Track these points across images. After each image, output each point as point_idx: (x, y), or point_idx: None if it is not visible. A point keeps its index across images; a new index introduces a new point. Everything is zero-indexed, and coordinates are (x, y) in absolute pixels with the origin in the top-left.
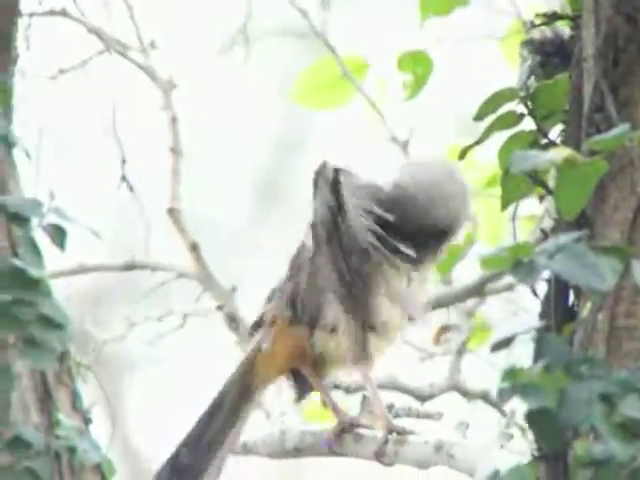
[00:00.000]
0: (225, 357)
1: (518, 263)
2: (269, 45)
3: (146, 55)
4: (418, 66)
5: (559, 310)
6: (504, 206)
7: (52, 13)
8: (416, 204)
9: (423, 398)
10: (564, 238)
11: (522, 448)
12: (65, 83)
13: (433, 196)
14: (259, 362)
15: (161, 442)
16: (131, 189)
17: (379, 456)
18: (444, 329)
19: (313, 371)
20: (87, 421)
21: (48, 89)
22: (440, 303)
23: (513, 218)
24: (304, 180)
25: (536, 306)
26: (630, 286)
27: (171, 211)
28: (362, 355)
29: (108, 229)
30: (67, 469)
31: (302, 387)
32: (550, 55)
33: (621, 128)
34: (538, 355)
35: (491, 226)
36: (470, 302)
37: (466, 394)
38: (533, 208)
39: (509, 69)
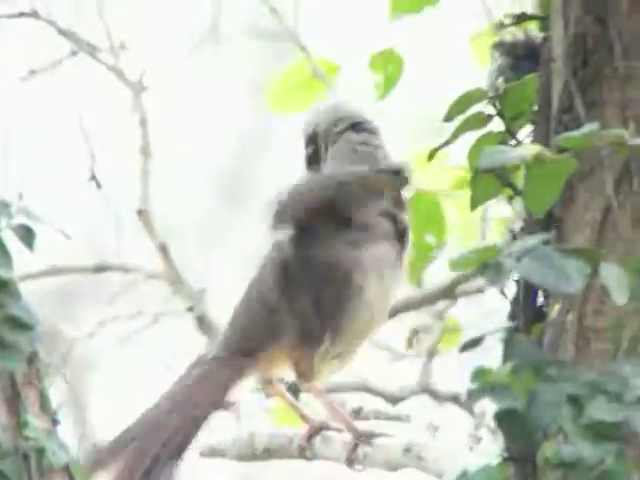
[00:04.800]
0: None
1: (485, 265)
2: (239, 45)
3: (116, 56)
4: (389, 64)
5: (528, 310)
6: (473, 206)
7: (22, 15)
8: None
9: (394, 401)
10: (531, 240)
11: (491, 450)
12: (36, 84)
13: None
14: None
15: None
16: (99, 186)
17: (350, 463)
18: (415, 332)
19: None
20: (55, 422)
21: (18, 90)
22: (411, 305)
23: (483, 219)
24: (269, 180)
25: (506, 308)
26: (598, 286)
27: (141, 213)
28: (308, 374)
29: (77, 230)
30: (36, 470)
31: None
32: (521, 58)
33: (590, 126)
34: (507, 356)
35: (463, 229)
36: (441, 304)
37: (437, 397)
38: (504, 210)
39: (480, 70)
